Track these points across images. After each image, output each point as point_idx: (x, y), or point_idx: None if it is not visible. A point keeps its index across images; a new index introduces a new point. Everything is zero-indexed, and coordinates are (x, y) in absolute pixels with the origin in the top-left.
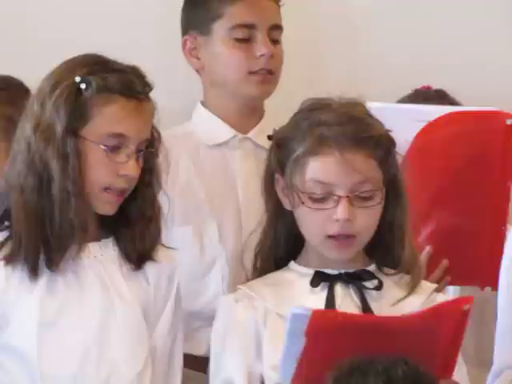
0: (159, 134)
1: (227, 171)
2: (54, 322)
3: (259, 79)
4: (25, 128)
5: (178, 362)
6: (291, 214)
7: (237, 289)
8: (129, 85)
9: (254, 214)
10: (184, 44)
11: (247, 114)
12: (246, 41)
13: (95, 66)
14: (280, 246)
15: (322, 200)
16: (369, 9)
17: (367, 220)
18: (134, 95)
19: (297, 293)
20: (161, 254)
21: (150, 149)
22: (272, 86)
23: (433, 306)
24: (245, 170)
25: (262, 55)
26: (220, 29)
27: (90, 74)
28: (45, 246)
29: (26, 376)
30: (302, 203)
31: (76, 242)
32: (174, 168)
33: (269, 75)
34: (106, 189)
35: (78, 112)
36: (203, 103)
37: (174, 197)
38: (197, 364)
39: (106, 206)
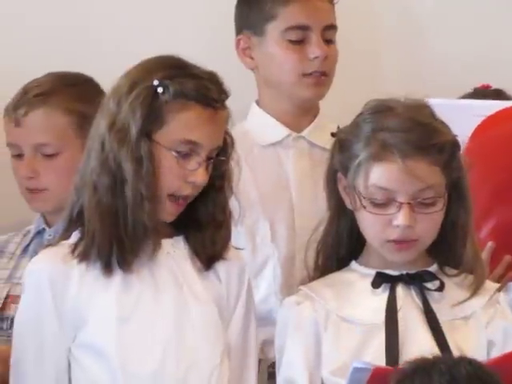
0: (232, 139)
1: (281, 170)
2: (131, 318)
3: (313, 81)
4: (100, 125)
5: (253, 358)
6: (353, 212)
7: (292, 289)
8: (205, 92)
9: (307, 213)
10: (237, 43)
11: (301, 113)
12: (300, 42)
13: (173, 69)
14: (342, 243)
15: (383, 205)
16: (431, 8)
17: (428, 225)
18: (210, 103)
19: (358, 294)
20: (230, 252)
21: (221, 156)
22: (325, 87)
23: None
24: (298, 169)
25: (316, 57)
26: (274, 30)
27: (168, 78)
28: (118, 245)
29: (106, 374)
30: (364, 207)
31: (149, 243)
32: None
33: (322, 77)
34: (170, 195)
35: (153, 116)
36: (258, 102)
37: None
38: None
39: (167, 215)
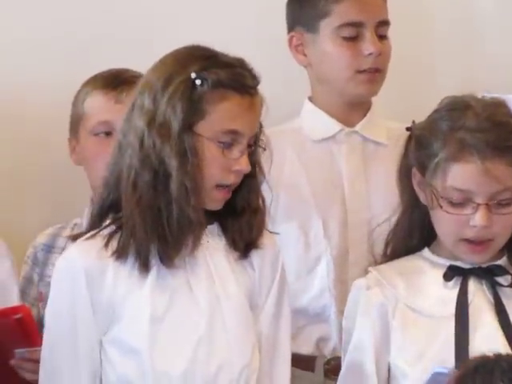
0: (261, 125)
1: (333, 166)
2: (164, 316)
3: (366, 78)
4: (133, 121)
5: (285, 348)
6: (426, 206)
7: (345, 284)
8: (241, 80)
9: (359, 208)
10: (290, 40)
11: (354, 108)
12: (353, 39)
13: (206, 60)
14: (413, 235)
15: (460, 205)
16: (489, 9)
17: (505, 225)
18: (247, 91)
19: (428, 284)
20: (264, 239)
21: (257, 143)
22: (379, 84)
23: None
24: (351, 164)
25: (370, 54)
26: (327, 27)
27: (204, 69)
28: (161, 241)
29: (136, 371)
30: (440, 207)
31: (192, 238)
32: (279, 163)
33: (376, 73)
34: (218, 186)
35: (193, 108)
36: (311, 99)
37: (279, 192)
38: (303, 363)
39: (215, 202)
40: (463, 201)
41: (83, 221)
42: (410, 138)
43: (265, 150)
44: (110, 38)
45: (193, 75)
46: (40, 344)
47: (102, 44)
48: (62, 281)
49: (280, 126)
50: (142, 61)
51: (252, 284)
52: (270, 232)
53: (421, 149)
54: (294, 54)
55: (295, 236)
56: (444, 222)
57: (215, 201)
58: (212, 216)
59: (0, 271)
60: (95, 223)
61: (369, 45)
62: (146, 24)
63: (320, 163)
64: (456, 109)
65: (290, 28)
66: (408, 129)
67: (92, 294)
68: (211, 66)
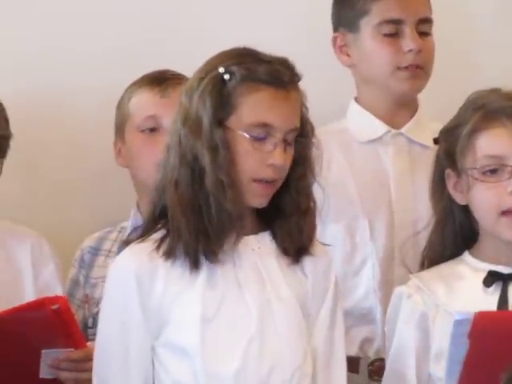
0: (312, 125)
1: (380, 168)
2: (214, 317)
3: (408, 75)
4: (176, 122)
5: (340, 357)
6: (461, 212)
7: (391, 286)
8: (273, 74)
9: (406, 210)
10: (334, 41)
11: (400, 109)
12: (394, 35)
13: (243, 57)
14: (447, 248)
15: (495, 174)
16: None
17: None
18: (280, 84)
19: (468, 290)
20: (316, 248)
21: (299, 138)
22: (422, 81)
23: None
24: (397, 166)
25: (410, 50)
26: (367, 25)
27: (235, 64)
28: (203, 237)
29: (189, 374)
30: (476, 179)
31: (234, 232)
32: (326, 164)
33: (417, 70)
34: (255, 180)
35: (223, 103)
36: (356, 100)
37: (326, 192)
38: (348, 364)
39: (257, 198)
40: (498, 167)
41: (129, 223)
42: (439, 145)
43: (311, 149)
44: (153, 42)
45: (221, 70)
46: (79, 338)
47: (143, 48)
48: (114, 285)
49: (326, 126)
50: (191, 62)
51: (304, 291)
52: (322, 243)
53: (447, 141)
54: (338, 54)
55: (341, 237)
56: (482, 197)
57: (256, 196)
58: (265, 224)
59: (44, 273)
60: (148, 228)
61: (408, 41)
62: (195, 25)
63: (366, 164)
64: (480, 96)
65: (335, 29)
66: (435, 141)
67: (142, 297)
68: (244, 62)
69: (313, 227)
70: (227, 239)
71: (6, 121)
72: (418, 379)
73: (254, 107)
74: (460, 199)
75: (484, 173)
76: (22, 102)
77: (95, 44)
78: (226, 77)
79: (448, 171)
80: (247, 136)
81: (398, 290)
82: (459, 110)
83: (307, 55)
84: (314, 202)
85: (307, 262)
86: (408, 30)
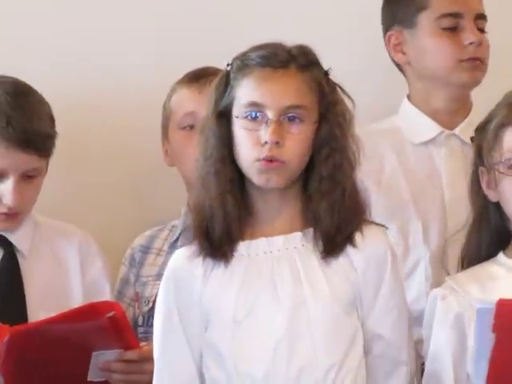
0: (340, 105)
1: (433, 169)
2: (246, 318)
3: (469, 66)
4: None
5: (405, 347)
6: (495, 211)
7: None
8: (262, 56)
9: (459, 212)
10: (388, 40)
11: (455, 108)
12: (453, 29)
13: (248, 49)
14: (483, 249)
15: None
16: None
17: None
18: (268, 63)
19: (503, 290)
20: (368, 236)
21: (322, 122)
22: (482, 73)
23: None
24: (451, 168)
25: (471, 43)
26: (426, 20)
27: (237, 57)
28: (227, 231)
29: (222, 373)
30: (502, 173)
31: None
32: (379, 164)
33: (478, 62)
34: (257, 160)
35: (226, 94)
36: (409, 98)
37: (379, 193)
38: None
39: (261, 175)
40: None
41: (180, 222)
42: (473, 140)
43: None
44: (200, 43)
45: (225, 63)
46: (132, 340)
47: (191, 49)
48: (162, 286)
49: (377, 124)
50: None
51: (351, 286)
52: (377, 224)
53: (480, 138)
54: (392, 53)
55: (394, 239)
56: (509, 194)
57: (260, 173)
58: (307, 222)
59: (92, 271)
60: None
61: (469, 34)
62: (248, 24)
63: (419, 165)
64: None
65: (387, 28)
66: (472, 139)
67: (182, 297)
68: (246, 52)
69: (354, 210)
70: (253, 239)
71: (53, 120)
72: (456, 380)
73: (245, 89)
74: (492, 196)
75: (510, 167)
76: (70, 102)
77: (144, 45)
78: (228, 68)
79: (481, 169)
80: (241, 119)
81: (434, 292)
82: (494, 107)
83: (358, 53)
84: (354, 184)
85: (356, 255)
86: (467, 24)
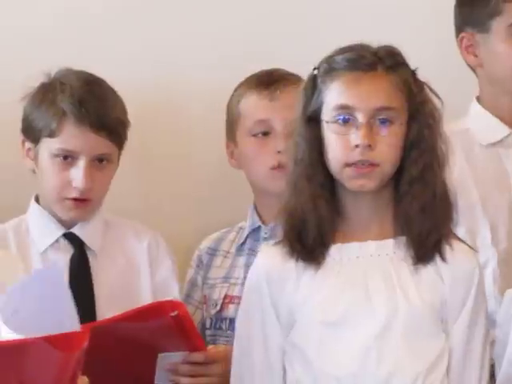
0: (431, 109)
1: (501, 170)
2: (336, 322)
3: None
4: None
5: (477, 356)
6: None
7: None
8: (349, 59)
9: None
10: (460, 41)
11: None
12: None
13: (333, 52)
14: None
15: None
16: None
17: None
18: (356, 66)
19: None
20: (457, 251)
21: (412, 123)
22: None
23: None
24: None
25: None
26: (498, 26)
27: (324, 61)
28: (322, 240)
29: (308, 375)
30: None
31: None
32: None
33: None
34: (347, 165)
35: (314, 98)
36: (478, 99)
37: None
38: None
39: (353, 180)
40: None
41: (246, 225)
42: None
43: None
44: (270, 43)
45: (312, 68)
46: (199, 341)
47: (258, 49)
48: (250, 286)
49: (447, 125)
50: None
51: (439, 297)
52: (468, 246)
53: None
54: (464, 55)
55: None
56: None
57: (351, 179)
58: (399, 228)
59: (161, 270)
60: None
61: None
62: (312, 23)
63: (487, 167)
64: None
65: (460, 29)
66: None
67: (273, 298)
68: (332, 55)
69: (442, 224)
70: (345, 243)
71: (125, 110)
72: None
73: (333, 93)
74: None
75: None
76: (136, 106)
77: (212, 46)
78: (315, 72)
79: None
80: (331, 124)
81: (509, 292)
82: None
83: (428, 54)
84: (445, 187)
85: (445, 269)
86: None
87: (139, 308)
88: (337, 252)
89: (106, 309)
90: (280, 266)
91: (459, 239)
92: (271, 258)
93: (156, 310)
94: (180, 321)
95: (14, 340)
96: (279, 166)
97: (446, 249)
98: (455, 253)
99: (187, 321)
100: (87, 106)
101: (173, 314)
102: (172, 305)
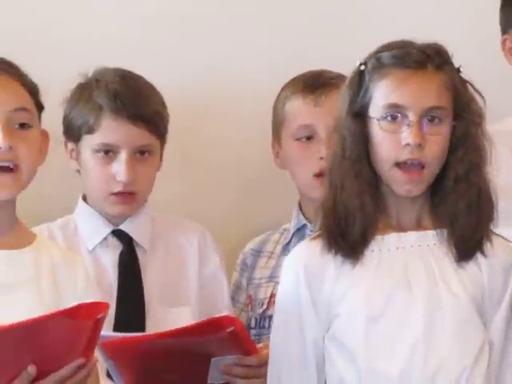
0: (476, 108)
1: None
2: (380, 317)
3: None
4: None
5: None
6: None
7: None
8: (399, 56)
9: None
10: (504, 43)
11: None
12: None
13: (380, 48)
14: None
15: None
16: None
17: None
18: (406, 64)
19: None
20: (496, 245)
21: (457, 121)
22: None
23: None
24: None
25: None
26: None
27: (371, 56)
28: (366, 236)
29: (352, 371)
30: None
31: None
32: (495, 164)
33: None
34: (396, 164)
35: (360, 94)
36: None
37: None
38: None
39: (402, 185)
40: None
41: (291, 225)
42: None
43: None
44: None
45: (357, 63)
46: (252, 348)
47: (302, 50)
48: (287, 278)
49: (493, 124)
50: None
51: (479, 288)
52: (504, 238)
53: None
54: (507, 56)
55: None
56: None
57: (400, 183)
58: (439, 222)
59: (210, 266)
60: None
61: None
62: (363, 23)
63: None
64: None
65: (504, 31)
66: None
67: (311, 291)
68: (377, 52)
69: (483, 221)
70: (383, 236)
71: (164, 105)
72: None
73: (383, 91)
74: None
75: None
76: (187, 105)
77: (255, 46)
78: (362, 68)
79: None
80: (380, 121)
81: None
82: None
83: (474, 54)
84: (487, 186)
85: (484, 262)
86: None
87: (197, 323)
88: (376, 244)
89: (155, 305)
90: (318, 259)
91: (496, 234)
92: (309, 251)
93: (213, 326)
94: (236, 335)
95: (28, 320)
96: (321, 174)
97: (486, 244)
98: (494, 246)
99: (243, 334)
100: (122, 98)
101: (229, 330)
102: (229, 320)
